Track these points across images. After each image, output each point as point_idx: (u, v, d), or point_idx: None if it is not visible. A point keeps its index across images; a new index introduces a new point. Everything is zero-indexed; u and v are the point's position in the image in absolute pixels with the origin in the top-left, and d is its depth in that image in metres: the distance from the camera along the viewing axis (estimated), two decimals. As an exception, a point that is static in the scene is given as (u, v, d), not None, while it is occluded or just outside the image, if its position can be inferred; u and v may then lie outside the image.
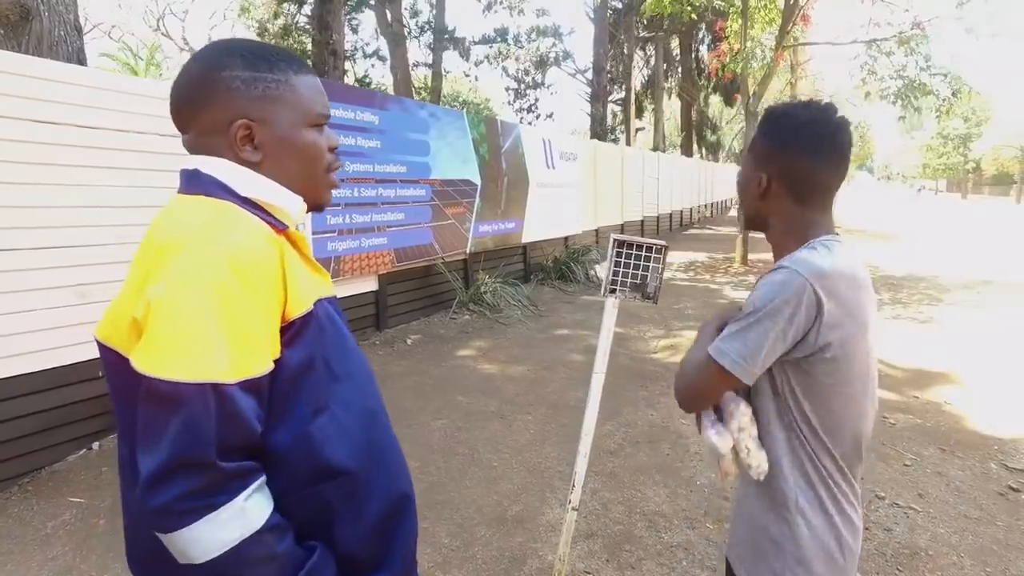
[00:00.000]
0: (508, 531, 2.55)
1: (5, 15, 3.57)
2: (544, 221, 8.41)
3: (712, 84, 21.87)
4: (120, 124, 3.26)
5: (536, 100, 20.49)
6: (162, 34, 22.42)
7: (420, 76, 19.65)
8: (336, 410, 0.82)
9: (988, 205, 38.89)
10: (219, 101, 0.81)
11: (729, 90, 21.64)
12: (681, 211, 17.81)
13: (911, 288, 8.06)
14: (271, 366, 0.75)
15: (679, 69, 23.37)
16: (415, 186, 5.80)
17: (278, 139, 0.84)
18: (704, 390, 1.06)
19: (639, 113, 23.09)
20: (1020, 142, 46.03)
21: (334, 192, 0.96)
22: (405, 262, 5.73)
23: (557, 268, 8.57)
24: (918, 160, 62.34)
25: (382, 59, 17.06)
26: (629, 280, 1.85)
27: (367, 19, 16.56)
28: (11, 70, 2.85)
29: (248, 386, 0.72)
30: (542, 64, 19.49)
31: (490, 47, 18.62)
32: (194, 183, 0.81)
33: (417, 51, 22.95)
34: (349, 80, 14.92)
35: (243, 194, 0.81)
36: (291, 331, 0.78)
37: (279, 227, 0.84)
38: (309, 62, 9.82)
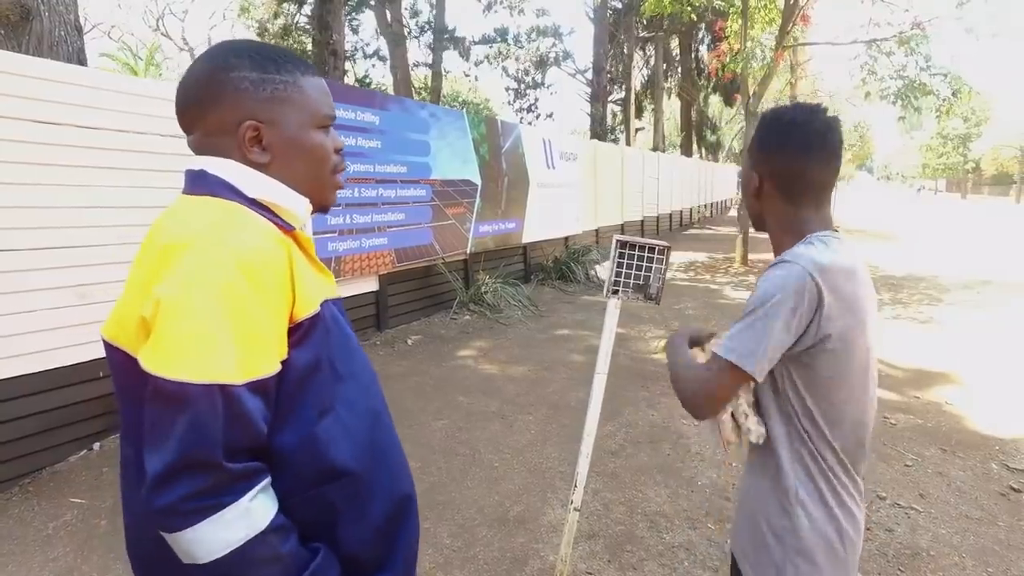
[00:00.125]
0: (510, 532, 2.55)
1: (5, 15, 3.57)
2: (544, 221, 8.42)
3: (712, 84, 21.88)
4: (120, 124, 3.26)
5: (536, 100, 20.53)
6: (162, 34, 22.46)
7: (420, 76, 19.66)
8: (341, 411, 0.82)
9: (988, 205, 38.91)
10: (227, 102, 0.81)
11: (729, 90, 21.63)
12: (681, 211, 17.82)
13: (911, 288, 8.06)
14: (278, 367, 0.75)
15: (679, 69, 23.37)
16: (415, 186, 5.80)
17: (286, 141, 0.84)
18: (717, 391, 1.04)
19: (639, 113, 23.09)
20: (1020, 142, 46.07)
21: None
22: (405, 262, 5.73)
23: (557, 268, 8.58)
24: (918, 160, 62.35)
25: (382, 59, 17.07)
26: (632, 281, 1.84)
27: (367, 19, 16.57)
28: (11, 70, 2.84)
29: (255, 387, 0.72)
30: (542, 64, 19.50)
31: (490, 47, 18.64)
32: (200, 183, 0.81)
33: (417, 51, 22.99)
34: (349, 80, 14.92)
35: (250, 195, 0.81)
36: (299, 332, 0.78)
37: (286, 228, 0.84)
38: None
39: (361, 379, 0.87)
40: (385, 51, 16.27)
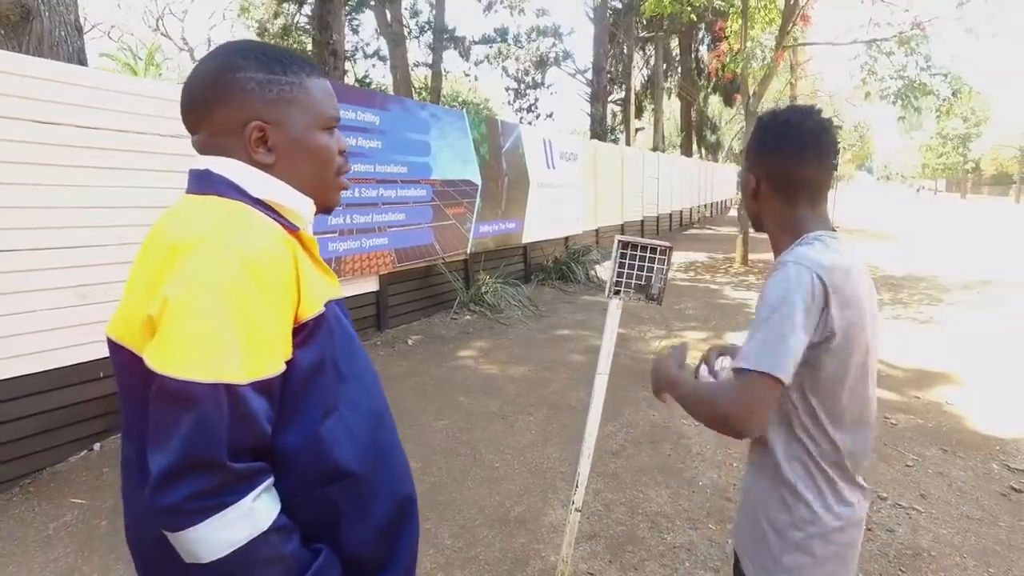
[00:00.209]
0: (511, 532, 2.55)
1: (6, 15, 3.57)
2: (544, 221, 8.42)
3: (712, 84, 21.88)
4: (120, 124, 3.26)
5: (536, 100, 20.55)
6: (161, 34, 22.46)
7: (420, 76, 19.67)
8: (344, 412, 0.82)
9: (987, 205, 38.93)
10: (233, 102, 0.81)
11: (729, 90, 21.62)
12: (681, 211, 17.82)
13: (911, 288, 8.07)
14: (283, 367, 0.75)
15: (679, 69, 23.36)
16: (416, 186, 5.80)
17: (291, 142, 0.84)
18: (757, 405, 0.96)
19: (639, 113, 23.09)
20: (1019, 142, 46.09)
21: None
22: (406, 262, 5.73)
23: (557, 268, 8.57)
24: (917, 160, 62.40)
25: (382, 59, 17.09)
26: (633, 281, 1.84)
27: (367, 19, 16.58)
28: (11, 70, 2.84)
29: (260, 387, 0.72)
30: (542, 64, 19.51)
31: (490, 47, 18.65)
32: (205, 183, 0.81)
33: (417, 51, 22.95)
34: (349, 80, 14.93)
35: (255, 195, 0.81)
36: (303, 332, 0.78)
37: (291, 228, 0.84)
38: (309, 62, 9.81)
39: (364, 380, 0.87)
40: (385, 51, 16.29)
